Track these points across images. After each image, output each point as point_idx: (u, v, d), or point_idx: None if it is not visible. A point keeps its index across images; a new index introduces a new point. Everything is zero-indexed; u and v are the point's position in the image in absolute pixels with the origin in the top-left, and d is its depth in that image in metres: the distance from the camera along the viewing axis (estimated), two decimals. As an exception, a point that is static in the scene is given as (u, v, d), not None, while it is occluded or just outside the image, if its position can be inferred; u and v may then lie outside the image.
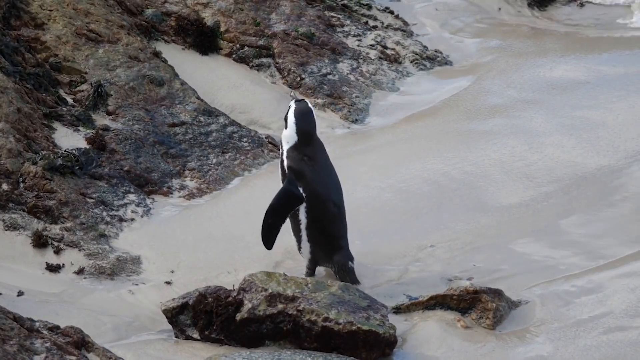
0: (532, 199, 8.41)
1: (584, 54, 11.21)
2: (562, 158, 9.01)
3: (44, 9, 9.52)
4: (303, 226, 7.17)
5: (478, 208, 8.29)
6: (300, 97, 7.85)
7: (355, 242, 7.46)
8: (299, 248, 7.27)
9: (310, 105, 7.29)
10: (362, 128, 9.86)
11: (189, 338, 6.45)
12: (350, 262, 7.20)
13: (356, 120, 9.93)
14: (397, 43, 11.15)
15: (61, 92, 9.07)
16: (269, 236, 7.16)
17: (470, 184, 8.68)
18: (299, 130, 7.19)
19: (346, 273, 7.17)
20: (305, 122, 7.20)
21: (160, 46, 10.03)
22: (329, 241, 7.19)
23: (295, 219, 7.18)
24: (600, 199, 8.37)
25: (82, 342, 5.75)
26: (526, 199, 8.41)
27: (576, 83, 10.46)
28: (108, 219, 7.98)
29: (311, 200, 7.13)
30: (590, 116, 9.72)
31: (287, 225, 7.21)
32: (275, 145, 9.26)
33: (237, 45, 10.41)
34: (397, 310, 6.79)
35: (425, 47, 11.21)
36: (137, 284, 7.38)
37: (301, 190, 7.12)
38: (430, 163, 9.00)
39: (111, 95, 9.07)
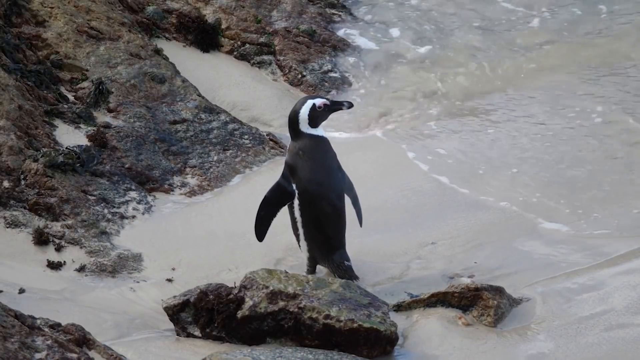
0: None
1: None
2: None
3: (45, 7, 9.51)
4: (299, 224, 7.14)
5: (479, 205, 8.28)
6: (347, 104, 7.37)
7: (356, 239, 7.45)
8: (299, 246, 7.26)
9: (315, 101, 7.11)
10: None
11: (190, 335, 6.45)
12: (346, 262, 7.16)
13: (357, 117, 9.93)
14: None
15: (62, 89, 9.06)
16: (259, 228, 7.15)
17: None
18: (289, 121, 7.16)
19: (344, 272, 7.13)
20: (293, 114, 7.11)
21: (162, 43, 10.03)
22: (325, 240, 7.14)
23: (292, 216, 7.16)
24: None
25: (83, 340, 5.75)
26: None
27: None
28: (109, 216, 7.98)
29: (303, 198, 7.07)
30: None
31: (287, 222, 7.21)
32: (276, 142, 9.25)
33: (238, 43, 10.40)
34: (398, 307, 6.78)
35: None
36: (138, 282, 7.38)
37: (294, 187, 7.10)
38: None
39: (112, 92, 9.07)
